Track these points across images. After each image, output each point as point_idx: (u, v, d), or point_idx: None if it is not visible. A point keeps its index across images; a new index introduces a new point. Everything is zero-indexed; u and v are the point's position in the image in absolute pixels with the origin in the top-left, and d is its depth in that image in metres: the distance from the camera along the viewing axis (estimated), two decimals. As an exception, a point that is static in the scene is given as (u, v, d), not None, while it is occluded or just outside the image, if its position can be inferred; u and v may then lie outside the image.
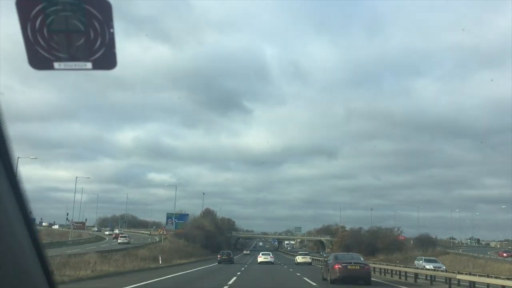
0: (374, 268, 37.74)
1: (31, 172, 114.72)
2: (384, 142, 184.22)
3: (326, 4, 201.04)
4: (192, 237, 77.40)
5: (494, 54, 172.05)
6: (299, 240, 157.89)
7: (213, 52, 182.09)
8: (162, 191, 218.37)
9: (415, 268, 37.41)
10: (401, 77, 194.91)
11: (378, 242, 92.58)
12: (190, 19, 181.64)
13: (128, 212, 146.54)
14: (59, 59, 1.83)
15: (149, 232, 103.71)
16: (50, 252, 24.59)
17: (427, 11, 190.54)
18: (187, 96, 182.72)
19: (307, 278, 27.89)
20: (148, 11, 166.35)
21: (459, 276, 25.56)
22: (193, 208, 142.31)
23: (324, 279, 25.77)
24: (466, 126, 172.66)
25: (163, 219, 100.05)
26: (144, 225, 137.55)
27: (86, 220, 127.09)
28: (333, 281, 23.69)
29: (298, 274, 32.88)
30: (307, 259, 58.26)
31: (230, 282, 22.21)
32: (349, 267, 23.57)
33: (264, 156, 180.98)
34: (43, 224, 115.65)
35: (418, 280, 30.31)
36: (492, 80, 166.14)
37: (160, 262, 40.70)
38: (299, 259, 58.50)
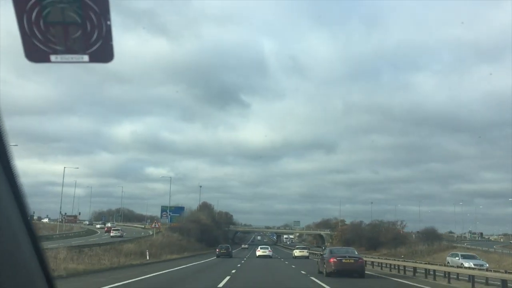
0: (390, 265, 34.17)
1: (28, 166, 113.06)
2: (382, 136, 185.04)
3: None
4: (187, 231, 74.73)
5: (493, 49, 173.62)
6: (297, 234, 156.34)
7: (211, 45, 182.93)
8: (160, 185, 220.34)
9: (447, 266, 31.25)
10: (399, 72, 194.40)
11: (380, 236, 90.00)
12: (187, 12, 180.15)
13: (125, 206, 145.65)
14: (56, 52, 1.79)
15: (143, 226, 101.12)
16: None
17: (426, 5, 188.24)
18: (185, 90, 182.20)
19: (304, 271, 28.98)
20: (145, 4, 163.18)
21: None
22: (191, 203, 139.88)
23: (320, 272, 26.66)
24: (464, 120, 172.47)
25: (159, 213, 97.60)
26: (140, 219, 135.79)
27: (79, 213, 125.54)
28: (328, 274, 24.58)
29: (292, 265, 33.84)
30: (304, 253, 59.07)
31: (222, 283, 19.40)
32: (343, 260, 24.51)
33: (262, 150, 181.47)
34: (34, 218, 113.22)
35: (451, 282, 24.35)
36: (491, 74, 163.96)
37: (148, 258, 37.36)
38: (296, 253, 59.12)
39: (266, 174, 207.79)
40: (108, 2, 1.77)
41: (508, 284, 20.09)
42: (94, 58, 1.80)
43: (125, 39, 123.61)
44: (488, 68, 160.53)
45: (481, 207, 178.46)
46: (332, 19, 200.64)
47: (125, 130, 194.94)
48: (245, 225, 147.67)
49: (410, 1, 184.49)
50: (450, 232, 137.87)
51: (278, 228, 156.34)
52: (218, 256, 49.48)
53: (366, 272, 26.29)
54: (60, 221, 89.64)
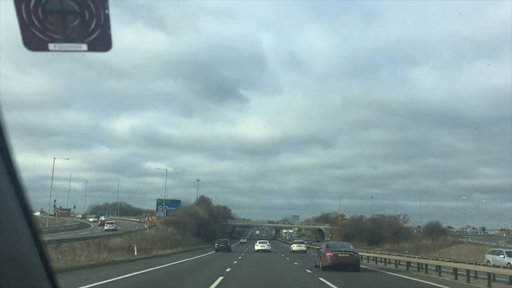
0: (409, 263, 29.76)
1: (27, 161, 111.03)
2: (381, 131, 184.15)
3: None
4: (183, 225, 72.07)
5: (492, 44, 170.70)
6: (296, 228, 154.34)
7: (209, 40, 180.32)
8: (158, 180, 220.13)
9: (487, 265, 27.30)
10: (398, 67, 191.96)
11: (381, 230, 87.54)
12: (186, 6, 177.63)
13: (123, 200, 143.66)
14: (54, 40, 1.79)
15: (139, 220, 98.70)
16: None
17: (425, 0, 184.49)
18: (184, 84, 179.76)
19: (300, 264, 29.97)
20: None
21: None
22: (189, 197, 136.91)
23: (317, 266, 27.18)
24: (463, 115, 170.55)
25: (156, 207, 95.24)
26: (137, 213, 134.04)
27: (75, 207, 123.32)
28: (324, 268, 25.11)
29: (288, 259, 34.74)
30: (302, 247, 59.48)
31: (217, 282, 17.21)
32: (339, 255, 25.14)
33: (260, 145, 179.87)
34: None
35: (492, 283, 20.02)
36: (488, 65, 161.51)
37: (135, 253, 34.65)
38: (294, 247, 59.54)
39: (264, 168, 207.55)
40: None
41: None
42: (92, 47, 1.81)
43: (123, 33, 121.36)
44: (486, 63, 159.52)
45: (483, 201, 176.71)
46: (331, 14, 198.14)
47: (124, 124, 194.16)
48: (243, 219, 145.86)
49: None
50: (449, 227, 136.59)
51: (277, 222, 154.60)
52: (217, 250, 50.77)
53: (370, 268, 26.35)
54: (52, 215, 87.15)
